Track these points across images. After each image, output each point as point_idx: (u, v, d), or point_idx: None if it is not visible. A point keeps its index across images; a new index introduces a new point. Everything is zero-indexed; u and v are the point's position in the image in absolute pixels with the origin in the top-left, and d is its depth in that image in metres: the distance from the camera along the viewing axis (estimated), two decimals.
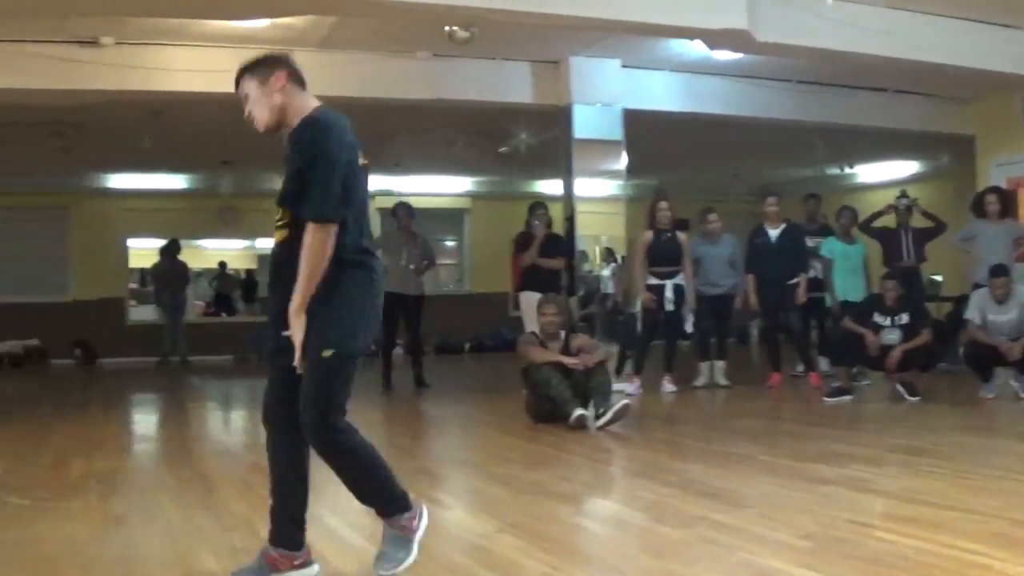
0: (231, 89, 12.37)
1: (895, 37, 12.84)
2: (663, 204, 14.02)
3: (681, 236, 14.05)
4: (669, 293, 13.73)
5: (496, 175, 24.65)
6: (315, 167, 4.51)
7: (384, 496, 4.91)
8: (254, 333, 5.88)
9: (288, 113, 4.76)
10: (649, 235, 13.93)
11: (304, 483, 4.91)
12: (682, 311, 13.93)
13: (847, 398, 12.32)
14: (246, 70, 4.82)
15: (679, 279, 13.82)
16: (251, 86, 4.79)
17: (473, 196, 26.80)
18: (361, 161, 4.75)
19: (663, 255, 13.78)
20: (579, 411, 10.13)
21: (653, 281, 13.81)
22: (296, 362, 4.54)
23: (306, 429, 4.62)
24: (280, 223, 4.66)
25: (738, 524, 5.77)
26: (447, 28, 12.64)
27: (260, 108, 4.76)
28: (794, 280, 14.14)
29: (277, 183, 15.48)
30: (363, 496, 4.92)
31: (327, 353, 4.56)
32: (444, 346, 24.77)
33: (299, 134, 4.65)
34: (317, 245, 4.46)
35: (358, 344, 4.71)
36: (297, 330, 4.50)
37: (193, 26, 12.99)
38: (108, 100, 14.05)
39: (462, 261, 27.59)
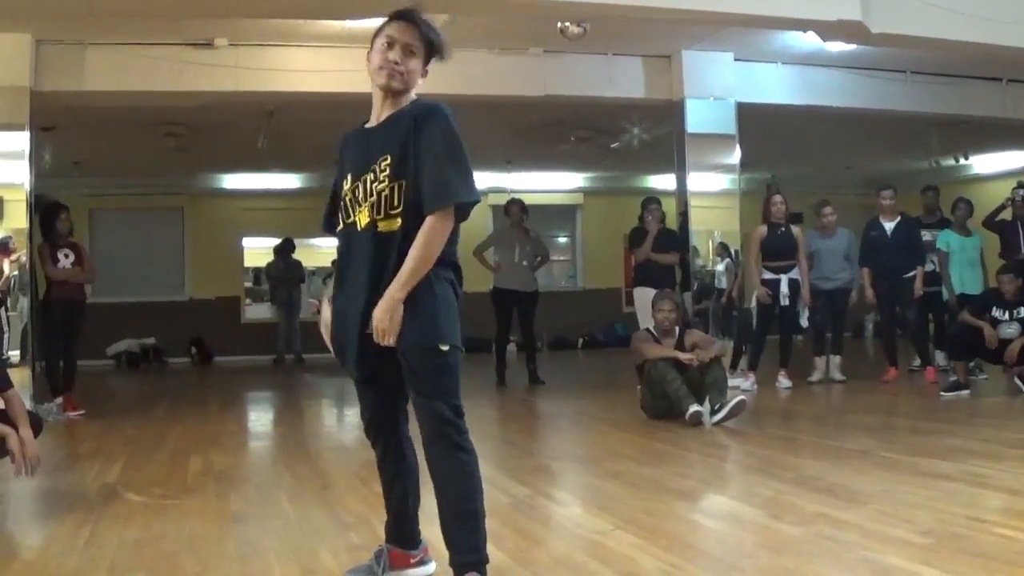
0: (344, 88, 12.46)
1: (1012, 26, 12.64)
2: (777, 198, 13.94)
3: (795, 230, 13.96)
4: (784, 287, 13.64)
5: (608, 171, 24.59)
6: (456, 152, 4.35)
7: (457, 527, 4.48)
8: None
9: (408, 96, 4.55)
10: (763, 229, 13.86)
11: (417, 481, 4.84)
12: (797, 306, 13.84)
13: (965, 392, 12.15)
14: (432, 43, 4.53)
15: (794, 273, 13.73)
16: (421, 53, 4.49)
17: (585, 192, 26.71)
18: None
19: (778, 249, 13.70)
20: (695, 407, 10.09)
21: (768, 276, 13.74)
22: (387, 341, 4.32)
23: (430, 426, 4.39)
24: (395, 211, 4.38)
25: (856, 521, 5.70)
26: (559, 24, 12.63)
27: (414, 74, 4.48)
28: (910, 273, 13.98)
29: None
30: (448, 515, 4.46)
31: (444, 347, 4.41)
32: (557, 342, 24.76)
33: (433, 118, 4.39)
34: (443, 233, 4.32)
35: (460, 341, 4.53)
36: (395, 316, 4.29)
37: (306, 27, 13.09)
38: (222, 101, 14.21)
39: (575, 257, 27.53)
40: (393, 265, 4.36)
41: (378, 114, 4.55)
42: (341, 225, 4.58)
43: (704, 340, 11.23)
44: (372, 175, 4.42)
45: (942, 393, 12.22)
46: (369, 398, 4.73)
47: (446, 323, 4.45)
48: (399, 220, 4.37)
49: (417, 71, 4.49)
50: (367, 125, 4.60)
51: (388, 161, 4.38)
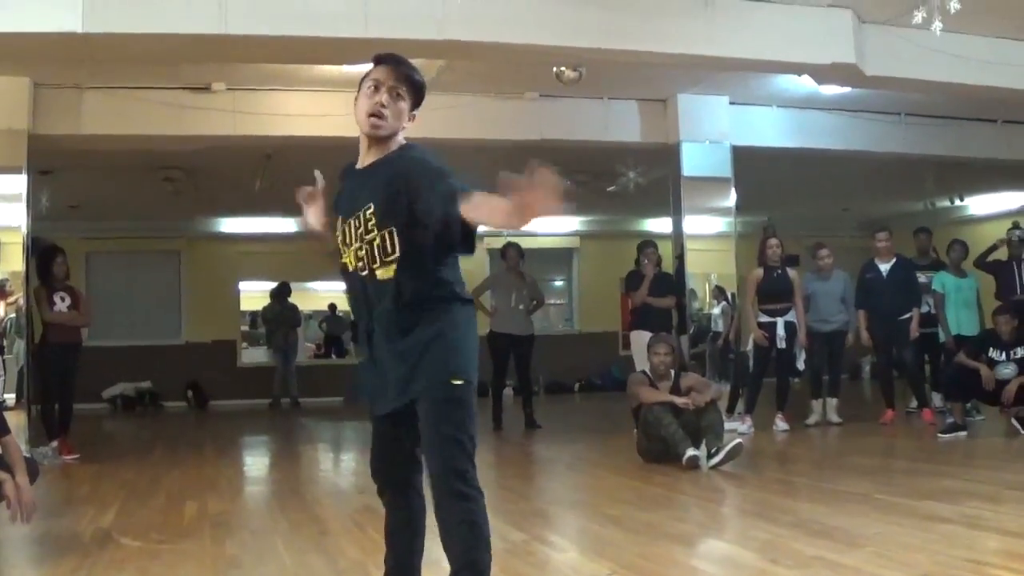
0: (341, 132, 12.51)
1: (1005, 67, 12.68)
2: (773, 241, 13.97)
3: (792, 272, 13.98)
4: (780, 330, 13.65)
5: (604, 214, 24.61)
6: (444, 166, 4.38)
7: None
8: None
9: (396, 139, 4.54)
10: (759, 272, 13.88)
11: (424, 535, 4.74)
12: (794, 348, 13.85)
13: (962, 434, 12.14)
14: (418, 86, 4.54)
15: (790, 316, 13.74)
16: (407, 95, 4.50)
17: (581, 235, 26.75)
18: None
19: (774, 292, 13.72)
20: (691, 451, 10.08)
21: (764, 319, 13.75)
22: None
23: (441, 469, 4.30)
24: (390, 258, 4.38)
25: (854, 564, 5.69)
26: (555, 69, 12.68)
27: (401, 115, 4.48)
28: (907, 315, 14.00)
29: None
30: (461, 558, 4.35)
31: (457, 382, 4.33)
32: (553, 386, 24.75)
33: (410, 156, 4.47)
34: (480, 211, 4.23)
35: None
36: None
37: (303, 71, 13.14)
38: (220, 145, 14.27)
39: (571, 300, 27.53)
40: (390, 311, 4.38)
41: (364, 158, 4.57)
42: (343, 263, 4.58)
43: (700, 383, 11.23)
44: (357, 222, 4.44)
45: (939, 435, 12.22)
46: (388, 440, 4.63)
47: (468, 358, 4.42)
48: (394, 267, 4.37)
49: (404, 113, 4.49)
50: (356, 166, 4.62)
51: (371, 210, 4.40)
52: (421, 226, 4.30)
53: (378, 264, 4.39)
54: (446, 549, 4.35)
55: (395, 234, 4.35)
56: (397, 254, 4.36)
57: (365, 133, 4.51)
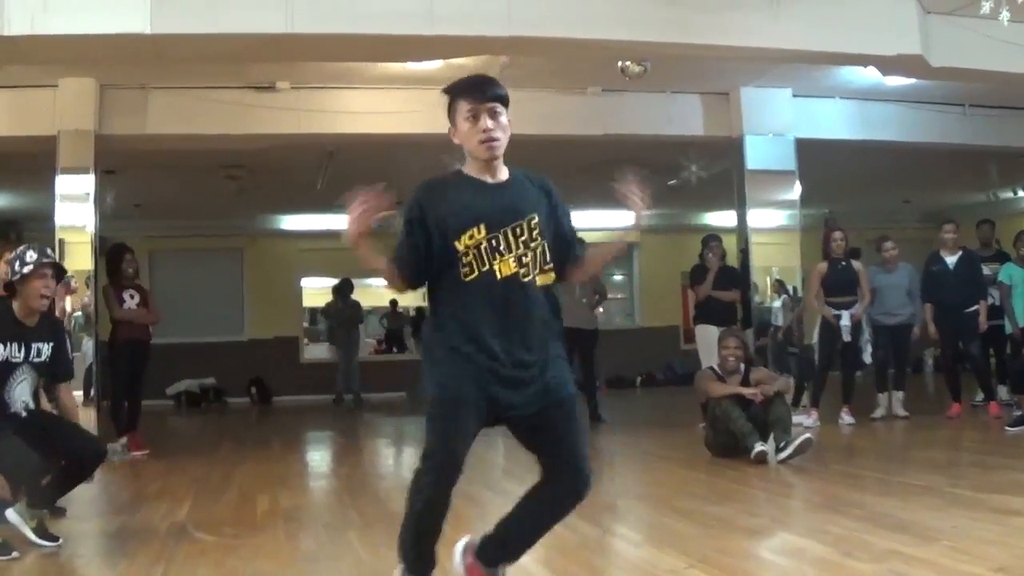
0: (403, 129, 12.58)
1: None
2: (837, 234, 13.92)
3: (857, 264, 13.92)
4: (846, 322, 13.59)
5: (666, 208, 24.57)
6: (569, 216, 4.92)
7: None
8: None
9: None
10: (824, 265, 13.83)
11: None
12: (859, 341, 13.80)
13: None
14: (504, 95, 4.74)
15: (856, 309, 13.67)
16: (503, 111, 4.67)
17: (642, 229, 26.60)
18: None
19: (839, 284, 13.67)
20: (760, 446, 10.06)
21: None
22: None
23: (586, 464, 4.79)
24: (548, 267, 4.67)
25: (929, 558, 5.67)
26: (620, 63, 12.67)
27: (504, 133, 4.66)
28: (973, 308, 13.90)
29: None
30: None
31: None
32: (615, 381, 24.71)
33: (554, 188, 4.90)
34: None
35: None
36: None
37: (366, 69, 13.20)
38: (283, 143, 14.33)
39: (632, 295, 27.48)
40: (543, 314, 4.68)
41: (487, 173, 4.71)
42: (475, 274, 4.58)
43: (768, 377, 11.21)
44: (520, 230, 4.61)
45: (1007, 428, 12.12)
46: (469, 435, 4.69)
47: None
48: (552, 275, 4.70)
49: (507, 124, 4.66)
50: (485, 180, 4.70)
51: (536, 220, 4.64)
52: (565, 243, 4.84)
53: (539, 271, 4.62)
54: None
55: (548, 247, 4.64)
56: (551, 265, 4.64)
57: (485, 159, 4.66)
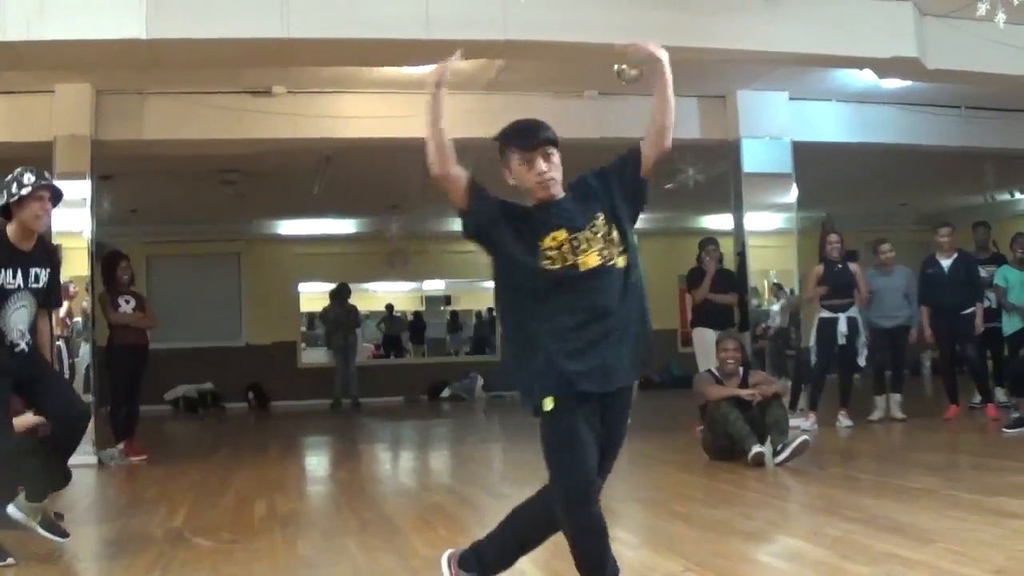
0: (399, 134, 12.60)
1: None
2: (833, 236, 13.95)
3: (853, 266, 13.95)
4: (843, 327, 13.62)
5: (662, 211, 24.57)
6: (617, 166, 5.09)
7: None
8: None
9: None
10: (820, 268, 13.86)
11: None
12: (856, 344, 13.80)
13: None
14: (553, 136, 4.91)
15: (852, 311, 13.69)
16: (555, 151, 4.88)
17: (640, 233, 26.40)
18: None
19: (836, 286, 13.68)
20: (757, 448, 10.07)
21: (826, 314, 13.73)
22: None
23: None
24: (622, 248, 4.83)
25: (927, 560, 5.68)
26: (616, 67, 12.67)
27: (558, 171, 4.86)
28: (969, 310, 13.91)
29: (444, 226, 15.67)
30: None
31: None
32: None
33: (600, 170, 5.07)
34: None
35: None
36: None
37: (363, 73, 13.20)
38: (279, 148, 14.34)
39: None
40: (631, 299, 4.91)
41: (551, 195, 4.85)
42: (558, 266, 4.73)
43: (766, 379, 11.23)
44: (591, 230, 4.78)
45: (1005, 430, 12.13)
46: (590, 447, 4.80)
47: None
48: (625, 256, 4.84)
49: (559, 161, 4.85)
50: (556, 196, 4.86)
51: (600, 215, 4.83)
52: (630, 206, 5.01)
53: (614, 255, 4.80)
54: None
55: (614, 227, 4.85)
56: (623, 246, 4.85)
57: (544, 198, 4.84)
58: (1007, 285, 14.13)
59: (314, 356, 26.53)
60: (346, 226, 24.79)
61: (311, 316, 27.46)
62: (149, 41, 9.86)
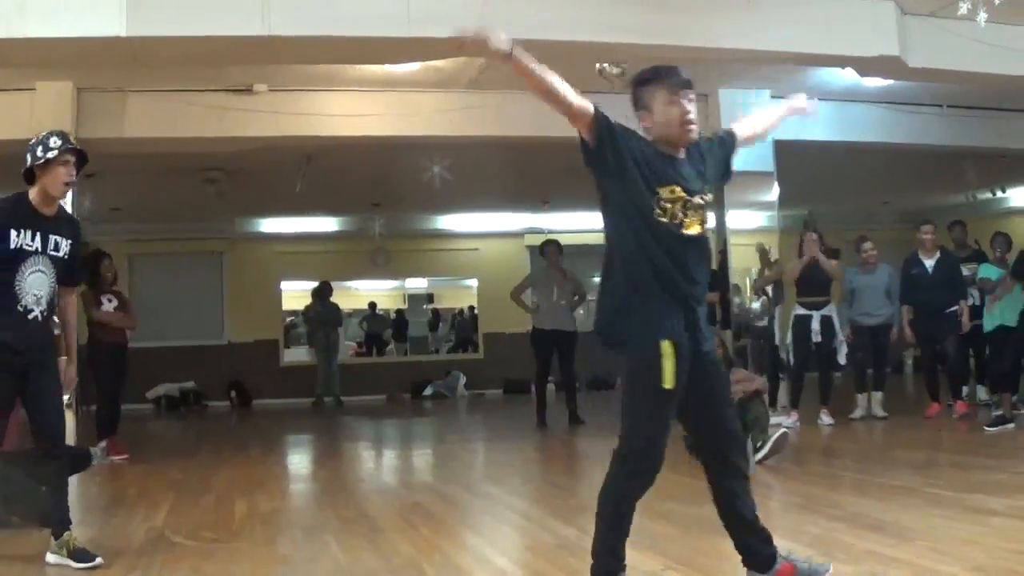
0: (381, 132, 12.55)
1: None
2: (812, 235, 13.96)
3: (832, 264, 13.95)
4: (816, 324, 13.61)
5: None
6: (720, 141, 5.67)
7: None
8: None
9: None
10: (797, 264, 13.90)
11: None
12: (834, 342, 13.80)
13: (1010, 426, 12.06)
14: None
15: (827, 310, 13.71)
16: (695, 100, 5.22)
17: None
18: None
19: (812, 284, 13.68)
20: None
21: (801, 311, 13.75)
22: None
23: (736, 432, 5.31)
24: (706, 222, 5.11)
25: (908, 558, 5.70)
26: (598, 65, 12.67)
27: (698, 120, 5.20)
28: (952, 308, 13.94)
29: (426, 224, 15.64)
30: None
31: None
32: (595, 382, 24.69)
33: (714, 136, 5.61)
34: None
35: None
36: None
37: (345, 71, 13.18)
38: (261, 146, 14.30)
39: None
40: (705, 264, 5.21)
41: (673, 149, 5.15)
42: (666, 220, 4.95)
43: (747, 377, 11.21)
44: (701, 197, 5.08)
45: (987, 428, 12.14)
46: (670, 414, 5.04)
47: None
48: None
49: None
50: (673, 154, 5.13)
51: (706, 187, 5.17)
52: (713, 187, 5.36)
53: (703, 227, 5.10)
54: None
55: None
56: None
57: (678, 137, 5.11)
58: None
59: (297, 354, 26.51)
60: (328, 224, 24.78)
61: (294, 314, 27.46)
62: (130, 39, 9.83)
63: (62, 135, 6.63)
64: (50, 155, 6.48)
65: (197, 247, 24.36)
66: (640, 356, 4.86)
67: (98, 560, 6.45)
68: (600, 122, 4.92)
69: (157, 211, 21.46)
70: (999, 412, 12.32)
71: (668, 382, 4.74)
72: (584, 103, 4.94)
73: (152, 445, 15.46)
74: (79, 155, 6.70)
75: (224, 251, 24.90)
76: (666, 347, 4.75)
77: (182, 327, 23.66)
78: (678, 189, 4.94)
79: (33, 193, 6.58)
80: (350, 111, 13.91)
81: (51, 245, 6.61)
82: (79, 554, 6.48)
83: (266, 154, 15.22)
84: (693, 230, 4.94)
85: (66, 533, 6.55)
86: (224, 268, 24.97)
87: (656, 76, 5.17)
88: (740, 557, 5.24)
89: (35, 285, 6.55)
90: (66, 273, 6.80)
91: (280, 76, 13.36)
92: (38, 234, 6.54)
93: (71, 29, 9.77)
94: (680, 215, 4.91)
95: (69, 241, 6.76)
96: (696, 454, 10.47)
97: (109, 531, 7.76)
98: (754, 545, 5.21)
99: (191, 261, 24.49)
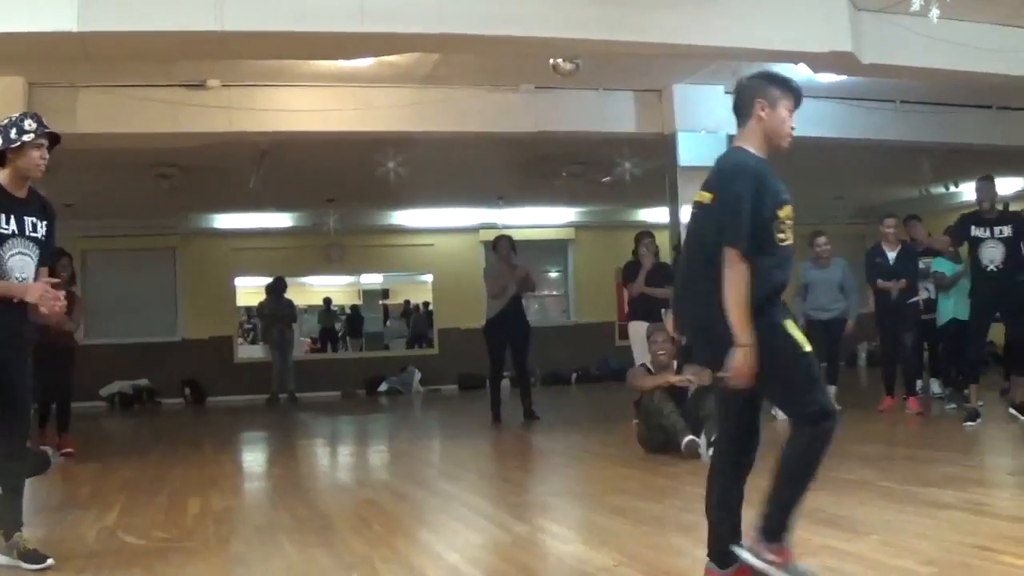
0: (335, 127, 12.53)
1: (1000, 54, 12.67)
2: None
3: None
4: None
5: (600, 205, 24.65)
6: None
7: None
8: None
9: None
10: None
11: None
12: None
13: (980, 421, 12.02)
14: None
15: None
16: None
17: (577, 227, 26.70)
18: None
19: None
20: (690, 436, 10.08)
21: None
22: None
23: None
24: None
25: (860, 552, 5.73)
26: (552, 61, 12.67)
27: None
28: (912, 300, 14.02)
29: (380, 219, 15.70)
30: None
31: None
32: (551, 377, 24.74)
33: None
34: None
35: None
36: None
37: (298, 67, 13.14)
38: (215, 142, 14.23)
39: (567, 292, 27.48)
40: None
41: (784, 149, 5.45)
42: (788, 241, 5.28)
43: (702, 373, 11.25)
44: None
45: (964, 424, 12.04)
46: None
47: None
48: None
49: None
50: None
51: None
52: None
53: None
54: None
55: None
56: None
57: (782, 148, 5.44)
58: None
59: (251, 351, 26.46)
60: (283, 220, 24.72)
61: (248, 310, 27.39)
62: (81, 34, 9.75)
63: (35, 117, 6.56)
64: (26, 138, 6.40)
65: (150, 243, 24.23)
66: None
67: (49, 561, 6.36)
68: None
69: (110, 207, 21.34)
70: (969, 406, 12.25)
71: (807, 346, 4.99)
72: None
73: (105, 444, 15.37)
74: (52, 138, 6.65)
75: (178, 247, 24.78)
76: (790, 324, 5.05)
77: (136, 324, 23.56)
78: (790, 209, 5.31)
79: (3, 176, 6.50)
80: (304, 106, 13.86)
81: (28, 227, 6.53)
82: (30, 555, 6.39)
83: (220, 149, 15.15)
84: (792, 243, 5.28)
85: (16, 534, 6.47)
86: (178, 264, 24.86)
87: (787, 86, 5.37)
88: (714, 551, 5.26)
89: (17, 268, 6.47)
90: (43, 253, 6.70)
91: (234, 71, 13.30)
92: (12, 217, 6.46)
93: (22, 24, 9.69)
94: (791, 233, 5.32)
95: (44, 222, 6.69)
96: (651, 447, 10.58)
97: (61, 531, 7.70)
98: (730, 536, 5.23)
99: (144, 257, 24.36)
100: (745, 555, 5.06)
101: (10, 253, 6.41)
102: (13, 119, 6.48)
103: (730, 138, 14.56)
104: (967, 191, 23.10)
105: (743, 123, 5.35)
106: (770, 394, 5.24)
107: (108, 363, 21.91)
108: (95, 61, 11.67)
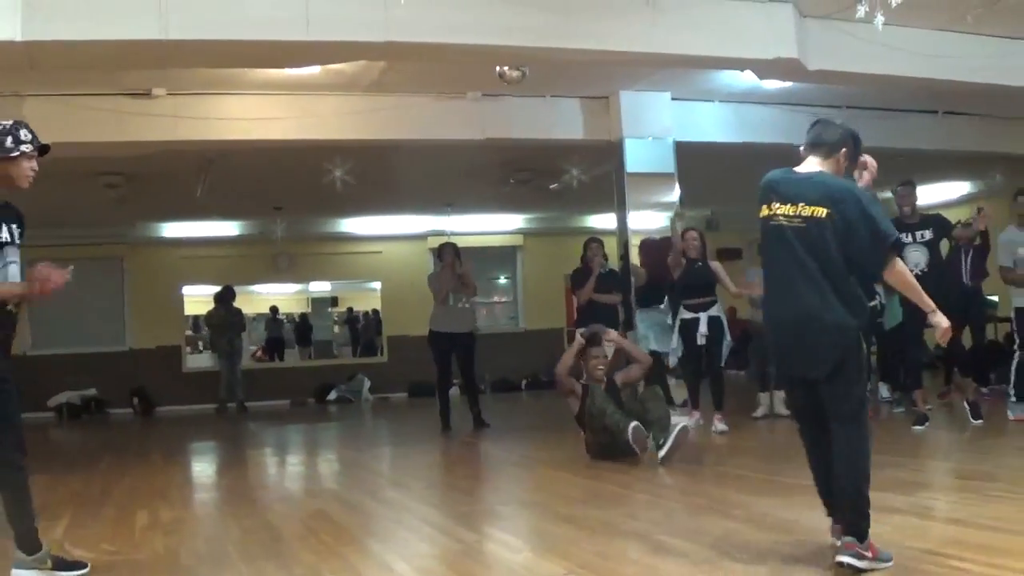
0: (282, 136, 12.49)
1: (945, 60, 12.77)
2: (691, 233, 13.66)
3: (714, 264, 13.72)
4: (703, 327, 13.39)
5: (548, 211, 24.67)
6: None
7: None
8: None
9: None
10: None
11: None
12: (722, 345, 13.52)
13: (928, 424, 12.08)
14: None
15: (715, 311, 13.50)
16: None
17: (525, 233, 26.72)
18: None
19: (694, 285, 13.45)
20: (634, 423, 10.07)
21: (687, 315, 13.47)
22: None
23: None
24: None
25: (809, 557, 5.73)
26: (498, 68, 12.68)
27: None
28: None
29: (328, 227, 15.67)
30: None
31: None
32: (500, 384, 24.74)
33: None
34: None
35: None
36: None
37: (244, 75, 13.10)
38: (160, 150, 14.16)
39: (516, 298, 27.50)
40: None
41: None
42: None
43: (637, 367, 11.43)
44: None
45: (913, 427, 12.11)
46: None
47: None
48: None
49: None
50: None
51: None
52: None
53: None
54: None
55: None
56: None
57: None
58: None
59: (199, 360, 26.35)
60: (230, 228, 24.61)
61: (196, 319, 27.28)
62: (25, 43, 9.68)
63: (28, 127, 6.39)
64: (24, 148, 6.26)
65: (97, 252, 23.97)
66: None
67: (87, 568, 6.38)
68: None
69: (56, 216, 21.11)
70: (918, 410, 12.29)
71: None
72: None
73: (52, 455, 15.22)
74: (43, 150, 6.51)
75: (125, 256, 24.60)
76: None
77: (83, 334, 23.38)
78: None
79: None
80: (251, 115, 13.83)
81: (7, 234, 6.41)
82: (63, 563, 6.41)
83: (166, 158, 15.08)
84: None
85: (45, 549, 6.42)
86: (125, 273, 24.68)
87: (860, 151, 6.46)
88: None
89: (12, 277, 6.42)
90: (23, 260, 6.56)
91: (180, 80, 13.24)
92: (3, 225, 6.37)
93: None
94: None
95: (19, 229, 6.55)
96: (599, 454, 10.60)
97: (5, 544, 7.63)
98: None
99: (91, 266, 24.03)
100: (852, 561, 5.34)
101: (6, 262, 6.36)
102: (7, 127, 6.30)
103: (677, 144, 14.72)
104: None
105: (824, 156, 6.23)
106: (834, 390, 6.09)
107: (56, 373, 21.78)
108: (39, 70, 11.59)
